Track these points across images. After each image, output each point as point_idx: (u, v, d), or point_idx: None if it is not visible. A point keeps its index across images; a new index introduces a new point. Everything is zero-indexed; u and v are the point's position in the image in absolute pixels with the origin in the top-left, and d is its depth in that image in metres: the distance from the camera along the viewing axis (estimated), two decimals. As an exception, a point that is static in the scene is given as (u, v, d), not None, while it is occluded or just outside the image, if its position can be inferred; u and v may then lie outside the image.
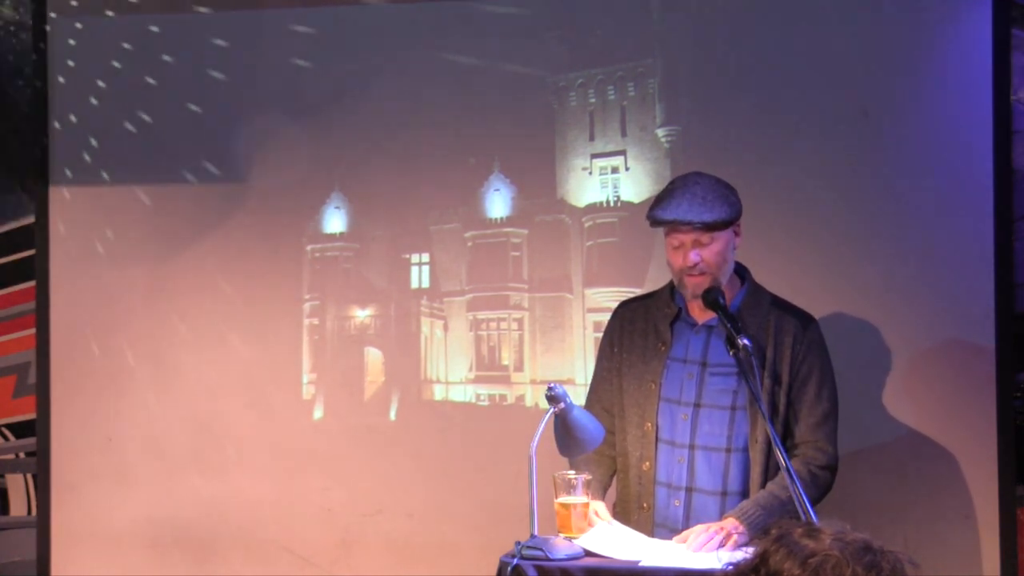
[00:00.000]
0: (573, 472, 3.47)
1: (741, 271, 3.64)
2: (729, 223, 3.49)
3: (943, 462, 4.25)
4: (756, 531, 3.33)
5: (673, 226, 3.49)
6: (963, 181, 4.24)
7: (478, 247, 4.59)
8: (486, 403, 4.59)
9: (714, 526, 3.35)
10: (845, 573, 1.76)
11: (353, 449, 4.66)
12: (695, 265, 3.47)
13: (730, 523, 3.35)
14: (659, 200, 3.54)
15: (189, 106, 4.74)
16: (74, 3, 4.80)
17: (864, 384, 4.25)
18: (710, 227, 3.46)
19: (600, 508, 3.49)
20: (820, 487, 3.51)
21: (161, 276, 4.77)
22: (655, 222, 3.52)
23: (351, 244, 4.68)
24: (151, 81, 4.76)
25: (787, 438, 3.53)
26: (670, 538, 3.45)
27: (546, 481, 3.39)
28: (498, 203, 4.57)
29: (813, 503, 3.24)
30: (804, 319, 3.60)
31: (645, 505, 3.56)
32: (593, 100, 4.50)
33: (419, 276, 4.63)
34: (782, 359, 3.53)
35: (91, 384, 4.80)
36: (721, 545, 3.28)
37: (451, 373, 4.61)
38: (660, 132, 4.45)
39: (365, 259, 4.67)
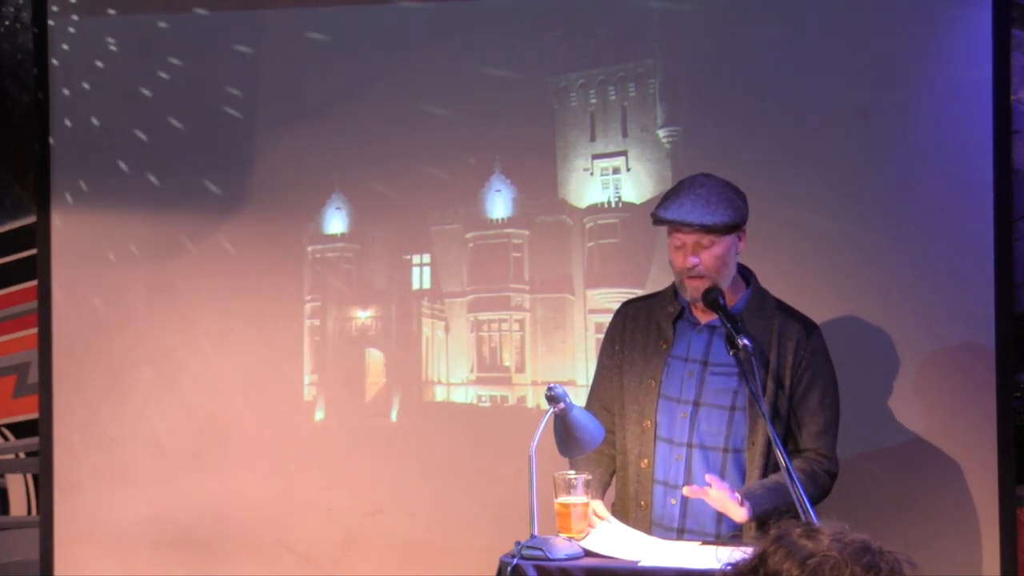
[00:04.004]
0: (573, 472, 3.47)
1: (746, 274, 3.63)
2: (731, 228, 3.47)
3: (943, 462, 4.25)
4: (757, 508, 3.34)
5: (674, 226, 3.49)
6: (963, 181, 4.24)
7: (479, 248, 4.59)
8: (487, 404, 4.59)
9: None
10: (844, 574, 1.76)
11: (354, 449, 4.66)
12: (693, 267, 3.47)
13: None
14: (664, 199, 3.54)
15: (190, 106, 4.74)
16: (75, 2, 4.80)
17: (863, 384, 4.24)
18: (710, 230, 3.44)
19: (598, 507, 3.49)
20: (819, 488, 3.51)
21: (162, 276, 4.77)
22: (657, 221, 3.52)
23: (352, 245, 4.69)
24: (152, 81, 4.76)
25: (788, 444, 3.53)
26: (667, 537, 3.46)
27: (546, 481, 3.39)
28: (499, 204, 4.57)
29: (812, 503, 3.24)
30: (808, 325, 3.59)
31: (643, 503, 3.56)
32: (594, 100, 4.50)
33: (420, 277, 4.64)
34: (785, 364, 3.53)
35: (93, 384, 4.81)
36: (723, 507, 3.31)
37: (452, 374, 4.61)
38: (661, 132, 4.45)
39: (366, 260, 4.67)
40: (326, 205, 4.69)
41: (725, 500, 3.32)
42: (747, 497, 3.36)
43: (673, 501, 3.53)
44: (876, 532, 1.85)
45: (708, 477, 3.36)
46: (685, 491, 3.40)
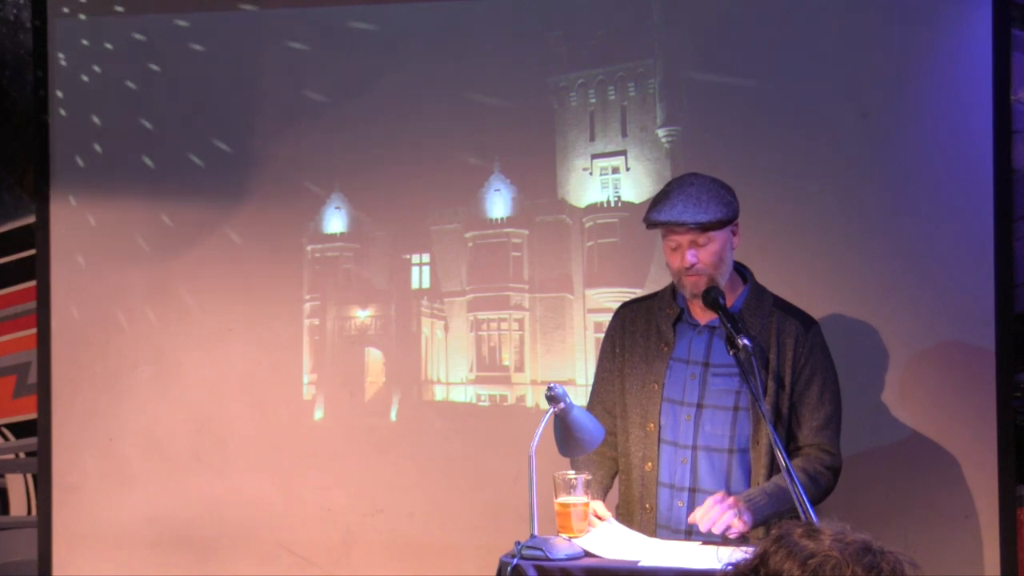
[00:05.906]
0: (573, 472, 3.47)
1: (743, 272, 3.63)
2: (725, 223, 3.48)
3: (943, 462, 4.25)
4: (758, 515, 3.34)
5: (669, 228, 3.49)
6: (963, 181, 4.24)
7: (478, 247, 4.59)
8: (487, 404, 4.59)
9: (723, 502, 3.32)
10: (845, 574, 1.76)
11: (354, 449, 4.66)
12: (692, 266, 3.47)
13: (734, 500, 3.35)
14: (654, 203, 3.54)
15: (190, 106, 4.74)
16: (75, 1, 4.80)
17: (864, 384, 4.25)
18: (705, 227, 3.45)
19: (598, 507, 3.49)
20: (822, 487, 3.50)
21: (161, 276, 4.77)
22: (651, 224, 3.52)
23: (351, 244, 4.69)
24: (152, 80, 4.76)
25: (790, 441, 3.53)
26: (673, 539, 3.46)
27: (546, 481, 3.39)
28: (499, 203, 4.57)
29: (814, 503, 3.24)
30: (806, 321, 3.60)
31: (648, 506, 3.55)
32: (593, 100, 4.50)
33: (419, 276, 4.64)
34: (784, 361, 3.53)
35: (92, 384, 4.81)
36: (727, 524, 3.28)
37: (452, 374, 4.61)
38: (660, 132, 4.45)
39: (365, 259, 4.67)
40: (326, 204, 4.69)
41: (726, 520, 3.30)
42: (748, 504, 3.35)
43: (680, 504, 3.53)
44: (876, 532, 1.85)
45: (704, 511, 3.34)
46: (696, 516, 3.37)
